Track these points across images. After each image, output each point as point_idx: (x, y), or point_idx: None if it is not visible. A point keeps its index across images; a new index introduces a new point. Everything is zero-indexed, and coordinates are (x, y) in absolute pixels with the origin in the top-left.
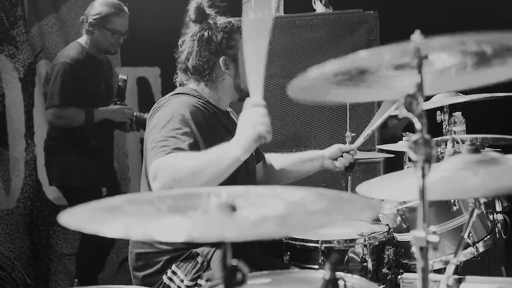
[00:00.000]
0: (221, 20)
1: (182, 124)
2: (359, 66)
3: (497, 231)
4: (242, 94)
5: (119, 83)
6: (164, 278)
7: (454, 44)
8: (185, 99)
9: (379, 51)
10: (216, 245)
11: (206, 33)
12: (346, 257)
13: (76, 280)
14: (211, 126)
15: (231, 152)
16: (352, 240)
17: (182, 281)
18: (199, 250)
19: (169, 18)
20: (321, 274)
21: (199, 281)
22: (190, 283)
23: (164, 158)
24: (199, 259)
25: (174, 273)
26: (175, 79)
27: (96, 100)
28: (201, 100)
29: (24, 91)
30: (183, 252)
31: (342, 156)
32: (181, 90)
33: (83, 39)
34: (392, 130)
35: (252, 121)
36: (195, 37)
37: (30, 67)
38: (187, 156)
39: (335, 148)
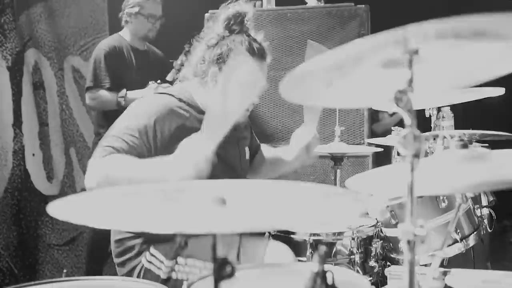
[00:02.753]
0: (240, 37)
1: (137, 131)
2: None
3: (483, 226)
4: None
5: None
6: (144, 262)
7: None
8: (165, 101)
9: (368, 41)
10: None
11: (215, 39)
12: (334, 249)
13: (64, 271)
14: (183, 132)
15: (164, 177)
16: (340, 233)
17: (162, 262)
18: None
19: None
20: (310, 266)
21: (179, 260)
22: (170, 263)
23: (100, 160)
24: (177, 237)
25: (152, 255)
26: (180, 66)
27: (131, 89)
28: (185, 104)
29: (12, 80)
30: (157, 234)
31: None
32: (169, 90)
33: (123, 32)
34: (384, 126)
35: (196, 161)
36: (208, 38)
37: (18, 56)
38: (123, 164)
39: (297, 148)
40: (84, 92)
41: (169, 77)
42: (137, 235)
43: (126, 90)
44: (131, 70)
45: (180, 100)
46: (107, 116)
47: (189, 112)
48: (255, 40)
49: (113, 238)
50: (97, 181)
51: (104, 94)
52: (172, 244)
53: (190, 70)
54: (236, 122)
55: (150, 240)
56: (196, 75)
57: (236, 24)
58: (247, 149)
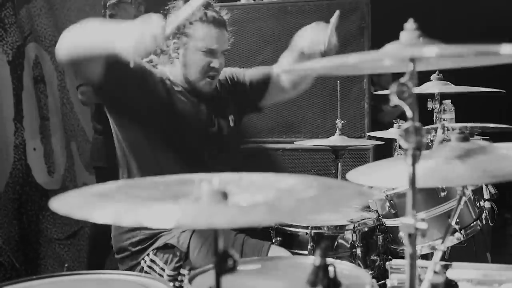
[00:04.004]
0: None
1: None
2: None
3: (484, 218)
4: (189, 86)
5: None
6: (144, 266)
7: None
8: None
9: (367, 57)
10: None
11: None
12: (336, 243)
13: (66, 265)
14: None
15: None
16: (342, 227)
17: (163, 269)
18: (173, 241)
19: None
20: (311, 260)
21: (181, 271)
22: (172, 273)
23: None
24: (177, 251)
25: (153, 261)
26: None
27: None
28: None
29: (13, 74)
30: (153, 235)
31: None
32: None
33: None
34: (386, 116)
35: (143, 33)
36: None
37: (19, 50)
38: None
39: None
40: (76, 89)
41: None
42: (134, 234)
43: None
44: None
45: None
46: (102, 110)
47: (161, 80)
48: (212, 10)
49: (114, 232)
50: (66, 47)
51: None
52: (173, 255)
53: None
54: (200, 91)
55: (146, 239)
56: (157, 53)
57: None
58: (231, 117)
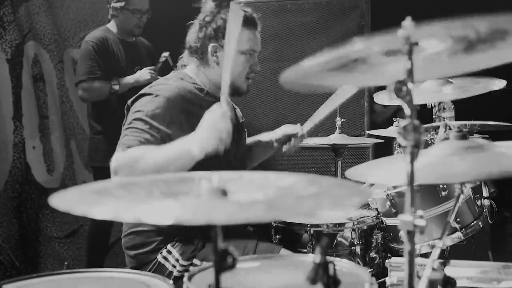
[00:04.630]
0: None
1: (154, 118)
2: (349, 56)
3: (483, 216)
4: (230, 89)
5: (159, 61)
6: (159, 257)
7: (442, 30)
8: (174, 85)
9: (369, 41)
10: (204, 234)
11: (208, 17)
12: (335, 241)
13: (66, 263)
14: (194, 114)
15: (190, 152)
16: (341, 224)
17: (177, 260)
18: (194, 232)
19: None
20: (311, 258)
21: (194, 261)
22: (186, 263)
23: (125, 153)
24: (195, 239)
25: (169, 252)
26: (180, 58)
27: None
28: (191, 86)
29: (12, 72)
30: (177, 233)
31: (290, 141)
32: (174, 75)
33: (110, 24)
34: (380, 116)
35: (217, 126)
36: (201, 17)
37: (18, 48)
38: (148, 152)
39: (281, 133)
40: (76, 85)
41: (158, 67)
42: (157, 232)
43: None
44: (120, 60)
45: (185, 81)
46: (99, 109)
47: (194, 93)
48: (245, 10)
49: (127, 228)
50: (123, 173)
51: (96, 84)
52: (190, 244)
53: (186, 52)
54: (242, 91)
55: (169, 237)
56: (192, 55)
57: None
58: (245, 130)
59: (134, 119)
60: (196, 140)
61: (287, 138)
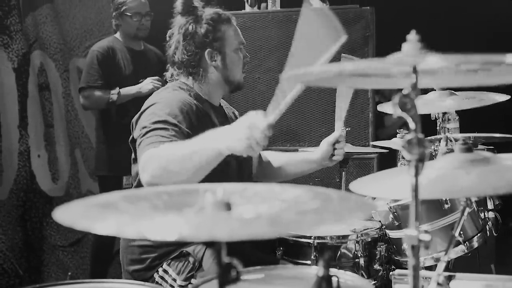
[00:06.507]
0: (208, 12)
1: (173, 118)
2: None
3: (487, 228)
4: (232, 87)
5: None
6: (156, 276)
7: (448, 64)
8: (177, 95)
9: (370, 64)
10: (207, 243)
11: (190, 27)
12: (339, 253)
13: (69, 273)
14: (200, 122)
15: (215, 144)
16: (345, 236)
17: (174, 280)
18: (189, 249)
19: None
20: (314, 270)
21: (192, 281)
22: (183, 283)
23: (153, 150)
24: (191, 259)
25: (165, 271)
26: (165, 74)
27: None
28: (191, 95)
29: (18, 81)
30: (173, 249)
31: (335, 149)
32: (172, 85)
33: (118, 34)
34: (388, 130)
35: (250, 130)
36: (180, 30)
37: (24, 57)
38: (175, 145)
39: (325, 147)
40: (78, 93)
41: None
42: (152, 248)
43: (120, 89)
44: (126, 70)
45: (185, 90)
46: (105, 119)
47: (195, 102)
48: (217, 11)
49: (123, 242)
50: (151, 174)
51: (97, 92)
52: (187, 263)
53: (171, 69)
54: (241, 85)
55: (164, 255)
56: (181, 69)
57: (189, 5)
58: None
59: (153, 123)
60: (223, 134)
61: (331, 149)
